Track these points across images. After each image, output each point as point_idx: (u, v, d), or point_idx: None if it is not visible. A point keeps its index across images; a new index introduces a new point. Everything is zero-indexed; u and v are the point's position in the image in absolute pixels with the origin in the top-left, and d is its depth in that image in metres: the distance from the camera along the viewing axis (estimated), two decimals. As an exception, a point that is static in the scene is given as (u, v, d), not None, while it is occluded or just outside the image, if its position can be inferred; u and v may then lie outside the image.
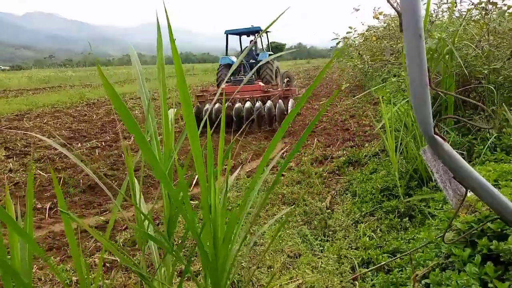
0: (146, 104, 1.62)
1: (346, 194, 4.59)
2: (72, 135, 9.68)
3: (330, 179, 5.28)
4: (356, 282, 2.77)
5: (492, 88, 4.06)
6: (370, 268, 2.86)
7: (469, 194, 2.14)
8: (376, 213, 3.86)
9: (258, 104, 8.56)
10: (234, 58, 13.90)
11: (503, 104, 3.98)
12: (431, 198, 3.42)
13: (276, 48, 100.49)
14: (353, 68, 10.01)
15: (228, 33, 14.02)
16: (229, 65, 13.35)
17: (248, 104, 8.64)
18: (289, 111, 8.26)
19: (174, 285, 1.64)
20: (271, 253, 3.33)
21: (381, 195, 4.06)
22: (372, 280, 2.75)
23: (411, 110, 4.21)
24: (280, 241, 3.52)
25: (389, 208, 3.74)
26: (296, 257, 3.31)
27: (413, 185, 3.94)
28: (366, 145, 6.51)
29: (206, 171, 1.39)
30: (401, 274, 2.62)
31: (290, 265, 3.21)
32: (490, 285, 1.65)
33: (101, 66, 1.30)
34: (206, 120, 1.89)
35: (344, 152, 6.30)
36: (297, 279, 2.79)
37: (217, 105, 8.65)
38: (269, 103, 8.57)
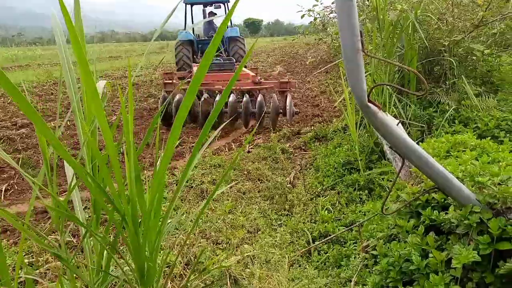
0: (72, 91, 1.51)
1: (310, 169, 4.58)
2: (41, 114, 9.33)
3: (296, 154, 5.26)
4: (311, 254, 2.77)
5: (453, 60, 4.06)
6: (321, 240, 2.87)
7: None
8: (337, 187, 3.86)
9: (246, 98, 6.59)
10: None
11: (462, 76, 3.99)
12: (390, 171, 3.44)
13: (252, 24, 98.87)
14: (319, 43, 9.90)
15: (187, 2, 11.49)
16: (190, 42, 10.90)
17: (232, 97, 6.58)
18: (287, 110, 6.44)
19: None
20: (230, 229, 3.29)
21: (343, 169, 4.06)
22: (326, 253, 2.75)
23: (372, 84, 4.19)
24: (241, 217, 3.48)
25: (349, 182, 3.75)
26: (256, 232, 3.29)
27: (373, 159, 3.95)
28: (334, 120, 6.51)
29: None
30: (355, 246, 2.62)
31: (249, 240, 3.18)
32: (430, 254, 1.65)
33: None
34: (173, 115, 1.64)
35: (312, 128, 6.28)
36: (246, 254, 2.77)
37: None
38: (260, 98, 6.61)
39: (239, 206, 3.73)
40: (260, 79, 7.30)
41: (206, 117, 6.23)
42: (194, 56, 11.06)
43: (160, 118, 1.57)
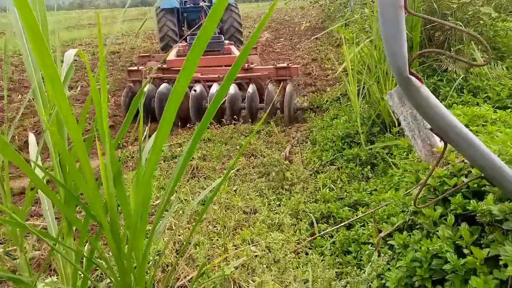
0: (31, 67, 1.19)
1: (306, 143, 4.33)
2: (12, 86, 8.82)
3: (290, 127, 5.00)
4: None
5: (462, 24, 3.77)
6: (330, 227, 2.64)
7: (441, 144, 1.88)
8: (336, 162, 3.63)
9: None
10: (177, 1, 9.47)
11: (472, 42, 3.72)
12: (395, 145, 3.21)
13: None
14: (314, 6, 9.40)
15: None
16: (174, 11, 9.08)
17: (215, 87, 5.12)
18: (285, 104, 5.03)
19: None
20: (225, 211, 3.05)
21: (342, 142, 3.81)
22: (331, 237, 2.53)
23: (374, 51, 3.90)
24: (236, 196, 3.24)
25: (350, 157, 3.51)
26: (252, 213, 3.06)
27: (375, 132, 3.71)
28: (328, 89, 6.22)
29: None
30: (363, 230, 2.41)
31: (245, 221, 2.95)
32: (465, 250, 1.42)
33: (52, 11, 0.92)
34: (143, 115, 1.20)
35: (305, 98, 5.99)
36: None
37: (163, 86, 5.26)
38: (251, 89, 5.16)
39: (233, 184, 3.48)
40: (254, 65, 5.73)
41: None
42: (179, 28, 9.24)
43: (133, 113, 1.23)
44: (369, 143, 3.60)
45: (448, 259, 1.40)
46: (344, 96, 5.28)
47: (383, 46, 3.83)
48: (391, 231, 1.93)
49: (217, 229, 2.83)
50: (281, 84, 5.20)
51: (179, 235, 2.71)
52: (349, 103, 4.61)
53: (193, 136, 1.14)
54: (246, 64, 5.46)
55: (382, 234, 1.91)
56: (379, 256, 1.93)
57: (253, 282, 2.00)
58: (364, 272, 1.96)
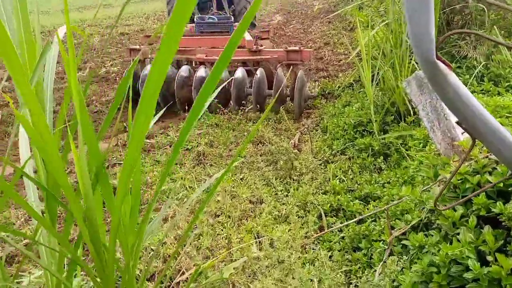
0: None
1: (317, 131, 4.18)
2: None
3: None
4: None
5: (484, 7, 3.55)
6: (339, 220, 2.52)
7: (463, 137, 1.73)
8: (347, 152, 3.48)
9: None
10: None
11: (495, 27, 3.50)
12: (410, 136, 3.05)
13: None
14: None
15: None
16: None
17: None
18: (296, 92, 4.57)
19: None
20: (230, 200, 2.95)
21: (354, 131, 3.66)
22: (341, 232, 2.41)
23: (390, 35, 3.71)
24: (242, 185, 3.13)
25: (362, 146, 3.36)
26: (259, 203, 2.95)
27: (389, 120, 3.54)
28: (340, 75, 6.03)
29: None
30: (375, 225, 2.28)
31: (251, 212, 2.85)
32: (489, 257, 1.29)
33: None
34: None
35: (317, 83, 5.81)
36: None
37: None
38: (259, 72, 4.70)
39: (239, 173, 3.37)
40: (263, 47, 5.09)
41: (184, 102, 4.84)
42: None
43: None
44: (382, 133, 3.45)
45: (470, 267, 1.27)
46: (357, 82, 5.10)
47: (399, 31, 3.64)
48: (406, 230, 1.80)
49: (221, 219, 2.73)
50: (291, 68, 4.78)
51: (180, 226, 2.61)
52: (362, 89, 4.44)
53: (183, 125, 1.01)
54: (255, 46, 5.01)
55: (395, 234, 1.78)
56: (391, 255, 1.81)
57: None
58: (375, 271, 1.84)
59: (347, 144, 3.55)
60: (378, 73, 3.67)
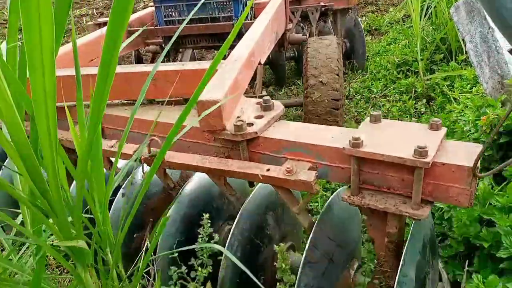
0: None
1: (357, 71, 3.86)
2: None
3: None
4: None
5: None
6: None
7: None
8: (388, 94, 3.19)
9: None
10: None
11: None
12: (458, 76, 2.70)
13: None
14: None
15: None
16: None
17: None
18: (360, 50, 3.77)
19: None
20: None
21: (398, 71, 3.33)
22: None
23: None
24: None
25: (404, 88, 3.06)
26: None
27: (437, 59, 3.17)
28: (391, 9, 5.49)
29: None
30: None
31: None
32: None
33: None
34: None
35: (364, 18, 5.34)
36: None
37: None
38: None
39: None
40: None
41: None
42: None
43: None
44: (428, 73, 3.10)
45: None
46: (408, 17, 4.61)
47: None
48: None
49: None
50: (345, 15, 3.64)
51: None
52: (411, 25, 4.00)
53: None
54: None
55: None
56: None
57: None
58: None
59: (388, 86, 3.25)
60: (431, 5, 3.24)
